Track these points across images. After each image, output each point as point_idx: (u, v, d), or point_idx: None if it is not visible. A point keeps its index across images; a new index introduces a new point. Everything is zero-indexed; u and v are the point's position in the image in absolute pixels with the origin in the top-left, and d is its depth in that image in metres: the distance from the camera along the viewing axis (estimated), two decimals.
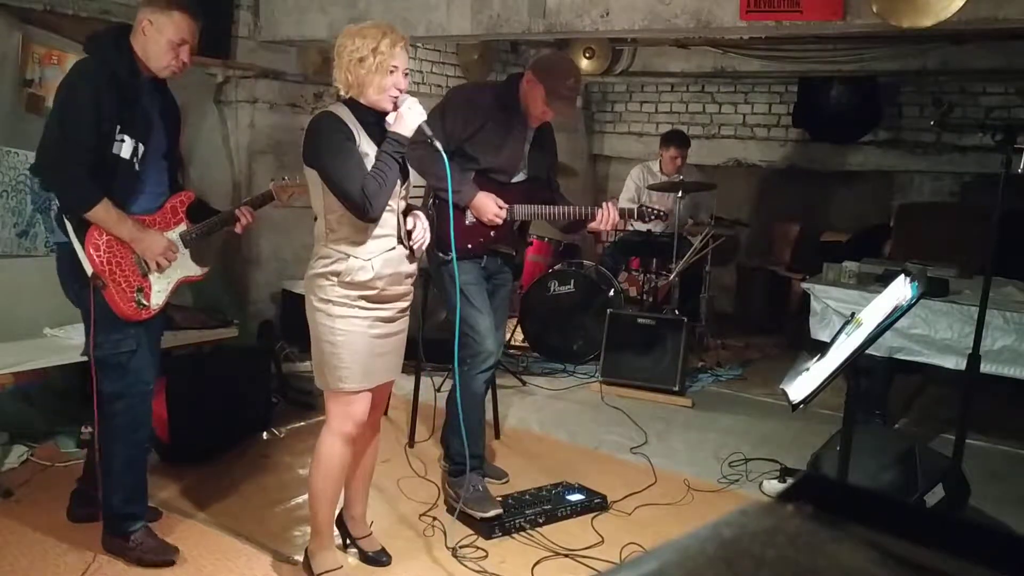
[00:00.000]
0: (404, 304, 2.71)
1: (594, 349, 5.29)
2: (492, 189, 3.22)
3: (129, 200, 2.70)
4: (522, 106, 3.23)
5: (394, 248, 2.60)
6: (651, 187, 5.84)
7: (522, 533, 3.14)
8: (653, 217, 3.59)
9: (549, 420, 4.49)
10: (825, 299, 4.20)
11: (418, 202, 3.04)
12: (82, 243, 2.63)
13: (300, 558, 2.86)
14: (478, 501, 3.15)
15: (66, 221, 2.66)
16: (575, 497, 3.39)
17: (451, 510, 3.19)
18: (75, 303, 2.78)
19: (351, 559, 2.92)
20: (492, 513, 3.12)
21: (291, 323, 5.01)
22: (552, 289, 5.55)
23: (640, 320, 5.06)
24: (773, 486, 3.70)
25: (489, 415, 4.02)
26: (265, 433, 4.00)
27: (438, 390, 4.45)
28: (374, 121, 2.54)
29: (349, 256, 2.52)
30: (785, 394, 2.48)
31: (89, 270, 2.63)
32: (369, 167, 2.49)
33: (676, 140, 6.01)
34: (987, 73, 6.12)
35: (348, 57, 2.46)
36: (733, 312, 7.28)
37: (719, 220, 5.93)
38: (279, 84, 5.09)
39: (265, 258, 5.16)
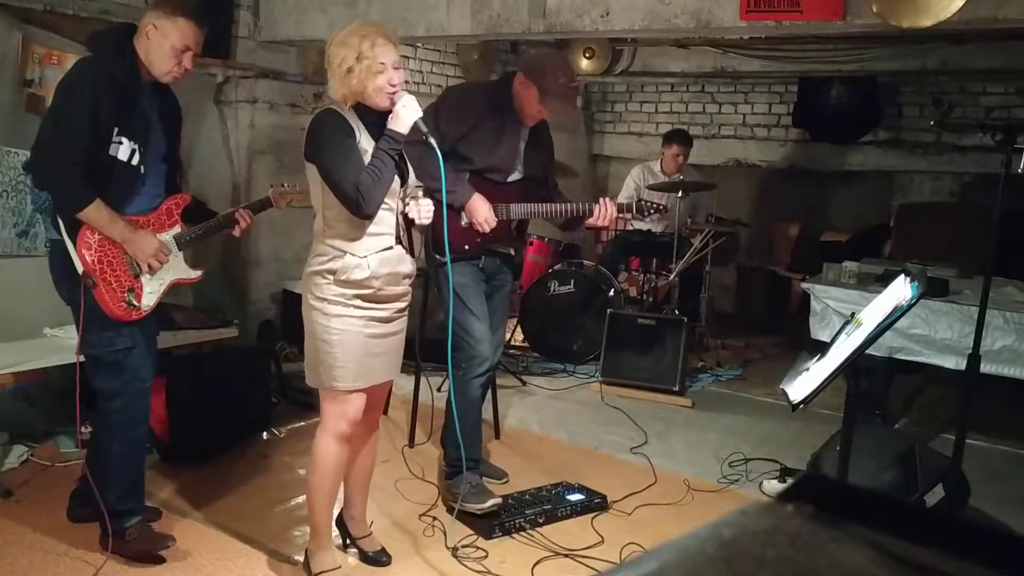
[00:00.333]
0: (402, 305, 2.71)
1: (594, 349, 5.29)
2: (487, 189, 3.21)
3: (125, 201, 2.69)
4: (516, 105, 3.21)
5: (391, 248, 2.60)
6: (651, 187, 5.84)
7: (522, 533, 3.14)
8: (652, 211, 3.55)
9: (549, 420, 4.49)
10: (825, 299, 4.20)
11: None
12: (74, 242, 2.63)
13: (300, 558, 2.86)
14: (475, 495, 3.16)
15: (59, 220, 2.66)
16: (575, 497, 3.39)
17: (451, 510, 3.19)
18: (66, 301, 2.78)
19: (351, 559, 2.92)
20: (490, 503, 3.12)
21: (291, 323, 5.00)
22: (552, 289, 5.55)
23: (640, 320, 5.06)
24: (773, 486, 3.69)
25: (489, 415, 4.02)
26: (265, 433, 4.00)
27: (438, 390, 4.45)
28: (375, 120, 2.54)
29: (345, 253, 2.52)
30: (785, 394, 2.48)
31: (80, 269, 2.63)
32: None
33: (679, 138, 6.03)
34: (987, 73, 6.12)
35: (337, 70, 2.47)
36: (733, 312, 7.28)
37: (719, 220, 5.94)
38: (279, 84, 5.08)
39: (265, 258, 5.16)
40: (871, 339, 2.25)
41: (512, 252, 3.43)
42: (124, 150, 2.64)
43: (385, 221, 2.57)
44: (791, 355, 5.09)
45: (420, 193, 2.67)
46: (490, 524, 3.10)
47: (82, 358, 2.79)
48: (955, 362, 3.78)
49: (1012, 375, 3.73)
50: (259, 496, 3.39)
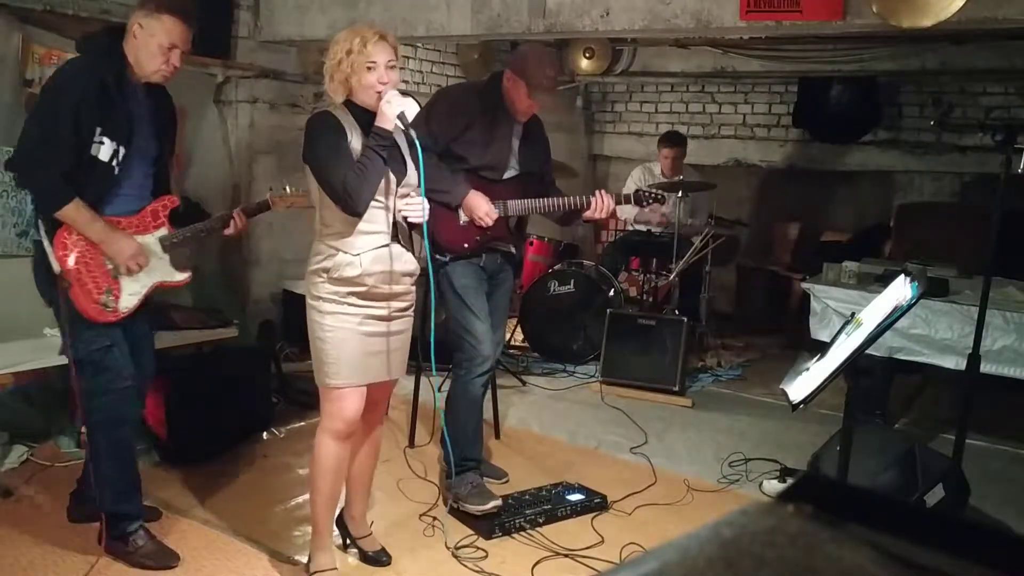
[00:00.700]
0: (403, 304, 2.71)
1: (594, 349, 5.29)
2: (484, 187, 3.23)
3: (104, 201, 2.68)
4: (507, 102, 3.24)
5: (387, 245, 2.60)
6: (651, 187, 5.83)
7: (522, 533, 3.14)
8: (651, 200, 3.55)
9: (549, 420, 4.49)
10: (825, 299, 4.20)
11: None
12: (51, 242, 2.62)
13: (300, 558, 2.86)
14: (475, 495, 3.16)
15: (39, 219, 2.66)
16: (575, 497, 3.39)
17: (451, 510, 3.20)
18: (46, 302, 2.77)
19: (351, 559, 2.92)
20: (491, 505, 3.12)
21: (291, 323, 5.01)
22: (552, 289, 5.55)
23: (640, 320, 5.06)
24: (773, 486, 3.69)
25: (489, 415, 4.02)
26: (265, 433, 4.00)
27: (438, 390, 4.44)
28: (371, 120, 2.55)
29: (338, 252, 2.54)
30: (785, 394, 2.48)
31: (56, 269, 2.63)
32: None
33: (668, 140, 6.04)
34: (987, 73, 6.12)
35: (329, 66, 2.52)
36: (733, 312, 7.27)
37: (719, 220, 5.93)
38: (279, 84, 5.09)
39: (265, 258, 5.16)
40: (871, 339, 2.25)
41: (513, 249, 3.43)
42: (106, 150, 2.62)
43: (378, 219, 2.58)
44: (791, 355, 5.09)
45: (411, 192, 2.67)
46: (490, 524, 3.10)
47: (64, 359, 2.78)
48: (955, 362, 3.78)
49: (1012, 375, 3.73)
50: (259, 496, 3.39)
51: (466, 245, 3.24)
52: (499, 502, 3.16)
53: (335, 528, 2.90)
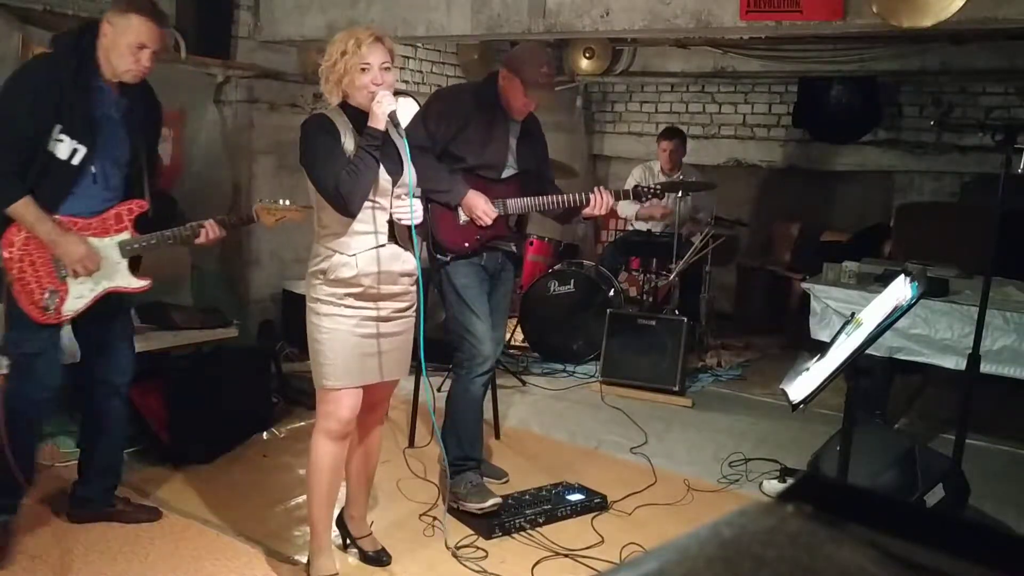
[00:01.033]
0: (402, 304, 2.71)
1: (594, 349, 5.29)
2: (482, 186, 3.23)
3: (59, 201, 2.64)
4: (503, 101, 3.25)
5: (383, 246, 2.60)
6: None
7: (522, 533, 3.14)
8: (650, 196, 3.57)
9: (549, 420, 4.49)
10: (825, 299, 4.20)
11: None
12: None
13: (299, 558, 2.86)
14: (475, 494, 3.17)
15: None
16: (575, 497, 3.39)
17: (451, 510, 3.19)
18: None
19: (351, 559, 2.92)
20: (491, 503, 3.13)
21: (291, 323, 5.01)
22: (552, 289, 5.55)
23: (640, 320, 5.06)
24: (773, 486, 3.69)
25: (489, 415, 4.02)
26: (265, 433, 4.00)
27: (438, 390, 4.45)
28: (365, 122, 2.54)
29: (334, 253, 2.55)
30: (785, 394, 2.48)
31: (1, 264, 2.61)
32: None
33: (667, 133, 6.09)
34: (987, 73, 6.12)
35: (324, 68, 2.53)
36: (733, 312, 7.28)
37: (719, 220, 5.93)
38: (279, 84, 5.08)
39: (265, 258, 5.16)
40: (871, 339, 2.25)
41: (514, 248, 3.44)
42: (64, 148, 2.59)
43: (374, 219, 2.58)
44: (791, 355, 5.09)
45: (403, 194, 2.65)
46: (490, 524, 3.10)
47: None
48: (955, 362, 3.78)
49: (1012, 375, 3.73)
50: (259, 496, 3.38)
51: (467, 244, 3.25)
52: (499, 500, 3.16)
53: (335, 528, 2.90)
